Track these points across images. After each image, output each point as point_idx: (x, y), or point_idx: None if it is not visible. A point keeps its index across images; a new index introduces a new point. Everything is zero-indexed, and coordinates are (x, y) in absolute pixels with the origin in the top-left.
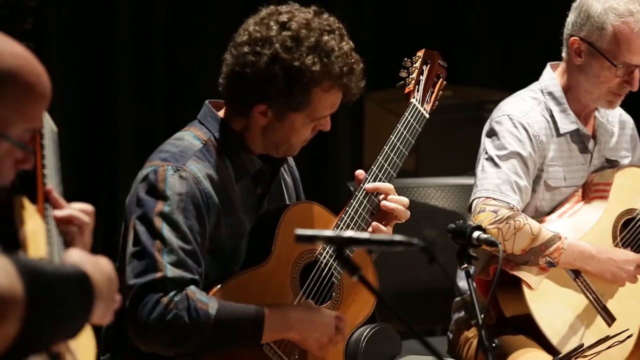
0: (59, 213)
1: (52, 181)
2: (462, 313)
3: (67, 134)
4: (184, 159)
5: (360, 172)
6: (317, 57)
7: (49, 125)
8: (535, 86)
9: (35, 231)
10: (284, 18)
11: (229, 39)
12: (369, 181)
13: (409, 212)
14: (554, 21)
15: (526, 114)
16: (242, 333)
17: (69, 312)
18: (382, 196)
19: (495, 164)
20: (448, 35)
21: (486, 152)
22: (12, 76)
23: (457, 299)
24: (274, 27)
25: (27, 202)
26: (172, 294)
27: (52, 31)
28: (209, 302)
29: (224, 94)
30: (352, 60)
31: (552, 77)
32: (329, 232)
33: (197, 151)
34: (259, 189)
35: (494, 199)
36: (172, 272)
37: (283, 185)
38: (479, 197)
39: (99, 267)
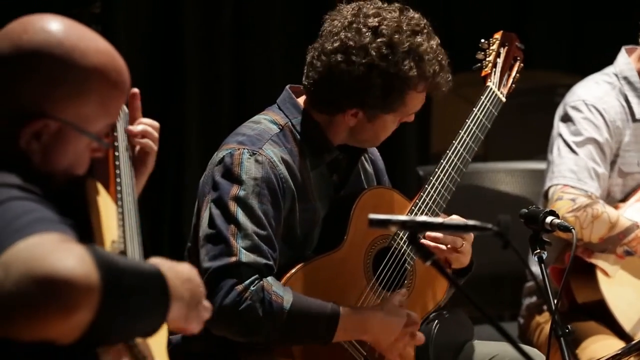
0: (133, 129)
1: (122, 155)
2: (534, 298)
3: None
4: (260, 143)
5: None
6: (412, 61)
7: (122, 110)
8: (609, 70)
9: (107, 214)
10: (374, 22)
11: (298, 26)
12: (444, 166)
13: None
14: (626, 3)
15: (601, 98)
16: (313, 330)
17: (143, 307)
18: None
19: (572, 150)
20: (518, 18)
21: (562, 138)
22: (98, 73)
23: (529, 284)
24: (367, 34)
25: (99, 186)
26: (247, 282)
27: (120, 14)
28: (284, 296)
29: (312, 94)
30: (441, 57)
31: (627, 61)
32: (402, 217)
33: (274, 135)
34: (335, 177)
35: (571, 186)
36: (246, 257)
37: (362, 175)
38: (556, 185)
39: (177, 270)
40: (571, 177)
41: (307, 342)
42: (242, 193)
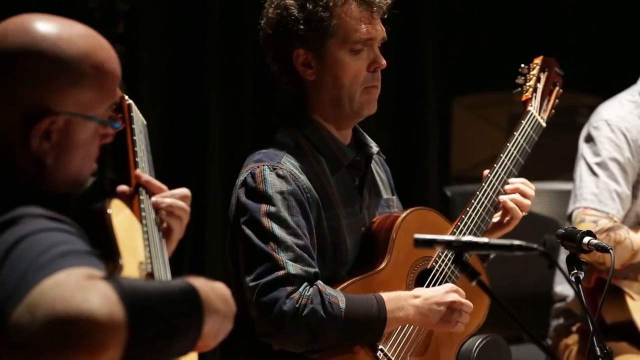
0: (158, 200)
1: (145, 170)
2: (561, 320)
3: (157, 136)
4: (278, 157)
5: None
6: None
7: (139, 119)
8: (634, 89)
9: (132, 235)
10: None
11: None
12: (485, 189)
13: (529, 203)
14: None
15: (624, 118)
16: (367, 324)
17: (176, 331)
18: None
19: (593, 172)
20: (538, 40)
21: (584, 159)
22: (87, 56)
23: (557, 305)
24: None
25: (119, 204)
26: (301, 289)
27: (144, 34)
28: (338, 296)
29: (276, 74)
30: None
31: None
32: (448, 237)
33: (290, 148)
34: (357, 181)
35: (593, 208)
36: (294, 268)
37: (376, 175)
38: (578, 207)
39: (212, 284)
40: (592, 199)
41: (362, 341)
42: (272, 208)
